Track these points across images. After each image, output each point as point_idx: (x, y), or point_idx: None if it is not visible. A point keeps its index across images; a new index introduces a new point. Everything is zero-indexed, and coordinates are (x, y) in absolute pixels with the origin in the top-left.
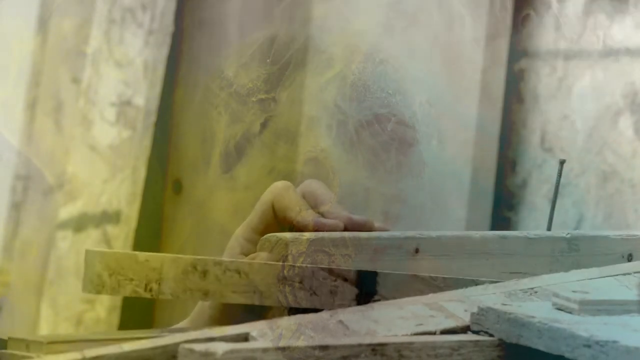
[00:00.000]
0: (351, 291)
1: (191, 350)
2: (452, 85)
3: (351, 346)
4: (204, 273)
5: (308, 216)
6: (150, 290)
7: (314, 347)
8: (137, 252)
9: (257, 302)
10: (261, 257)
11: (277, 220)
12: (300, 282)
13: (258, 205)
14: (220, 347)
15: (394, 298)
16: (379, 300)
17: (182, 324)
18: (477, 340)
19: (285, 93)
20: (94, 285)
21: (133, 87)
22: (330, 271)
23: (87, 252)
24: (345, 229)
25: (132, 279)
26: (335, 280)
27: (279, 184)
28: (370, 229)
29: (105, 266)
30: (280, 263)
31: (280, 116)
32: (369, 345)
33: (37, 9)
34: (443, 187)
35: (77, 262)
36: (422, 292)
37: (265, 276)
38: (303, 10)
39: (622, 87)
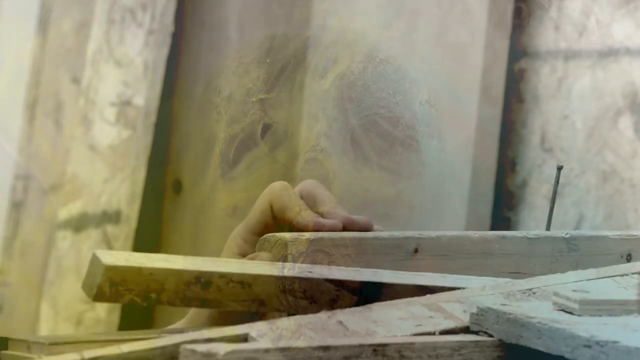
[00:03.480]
0: (353, 301)
1: (193, 351)
2: (452, 85)
3: (352, 346)
4: (207, 285)
5: (307, 216)
6: (149, 300)
7: (315, 348)
8: (141, 266)
9: (254, 310)
10: (261, 257)
11: (276, 221)
12: (303, 292)
13: (256, 205)
14: (222, 348)
15: None
16: None
17: (179, 324)
18: (478, 341)
19: (285, 93)
20: (94, 294)
21: (133, 87)
22: (337, 282)
23: (94, 256)
24: (345, 229)
25: (132, 290)
26: (338, 290)
27: (277, 185)
28: (369, 229)
29: (107, 278)
30: (281, 275)
31: (280, 116)
32: (370, 345)
33: (37, 9)
34: (443, 187)
35: (77, 262)
36: None
37: (269, 287)
38: (303, 10)
39: (622, 87)
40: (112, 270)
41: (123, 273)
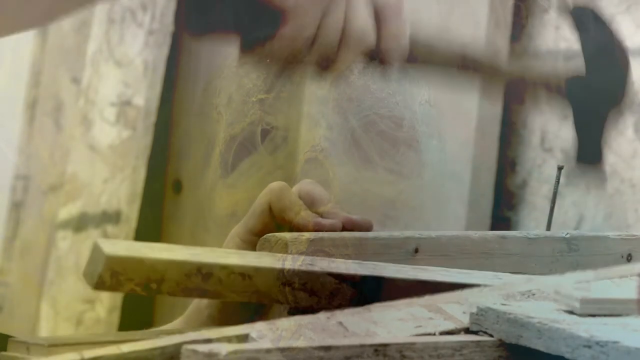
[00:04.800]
0: (352, 294)
1: (194, 351)
2: (452, 85)
3: (354, 347)
4: (208, 276)
5: (307, 216)
6: (149, 289)
7: (316, 348)
8: (143, 257)
9: (254, 300)
10: None
11: (275, 221)
12: (303, 285)
13: (255, 206)
14: (224, 348)
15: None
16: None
17: (176, 323)
18: (479, 341)
19: (285, 93)
20: (95, 283)
21: (133, 87)
22: (336, 275)
23: (95, 245)
24: (344, 229)
25: (132, 279)
26: (339, 284)
27: (275, 185)
28: (369, 229)
29: (108, 268)
30: (282, 267)
31: (279, 117)
32: (372, 345)
33: None
34: (443, 187)
35: (77, 262)
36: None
37: (269, 280)
38: None
39: None
40: (113, 260)
41: (124, 263)
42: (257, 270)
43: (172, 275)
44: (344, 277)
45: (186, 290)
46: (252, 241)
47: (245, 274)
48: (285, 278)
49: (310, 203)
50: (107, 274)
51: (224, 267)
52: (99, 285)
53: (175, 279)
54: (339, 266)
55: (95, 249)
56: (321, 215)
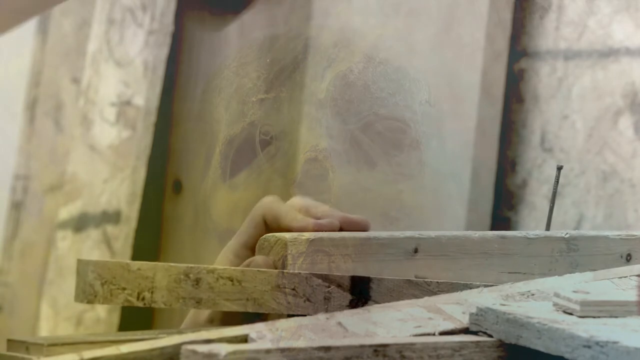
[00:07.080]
0: (345, 297)
1: (194, 352)
2: (452, 85)
3: (353, 347)
4: (197, 281)
5: (304, 219)
6: (143, 299)
7: (316, 348)
8: (129, 261)
9: (250, 310)
10: (256, 261)
11: (271, 232)
12: (294, 289)
13: (248, 220)
14: (223, 348)
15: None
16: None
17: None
18: (479, 341)
19: (285, 93)
20: (87, 295)
21: (133, 87)
22: (324, 277)
23: (79, 261)
24: (342, 229)
25: (124, 288)
26: (329, 287)
27: (267, 198)
28: (365, 227)
29: (98, 275)
30: (274, 270)
31: (279, 117)
32: (371, 346)
33: None
34: (443, 187)
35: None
36: (416, 297)
37: (259, 284)
38: (303, 10)
39: (622, 87)
40: (100, 265)
41: (111, 269)
42: (244, 273)
43: (162, 282)
44: (333, 281)
45: (180, 299)
46: (247, 256)
47: (233, 277)
48: (274, 281)
49: (305, 213)
50: (98, 283)
51: (211, 271)
52: (92, 296)
53: (166, 285)
54: (329, 269)
55: (80, 265)
56: (318, 218)
